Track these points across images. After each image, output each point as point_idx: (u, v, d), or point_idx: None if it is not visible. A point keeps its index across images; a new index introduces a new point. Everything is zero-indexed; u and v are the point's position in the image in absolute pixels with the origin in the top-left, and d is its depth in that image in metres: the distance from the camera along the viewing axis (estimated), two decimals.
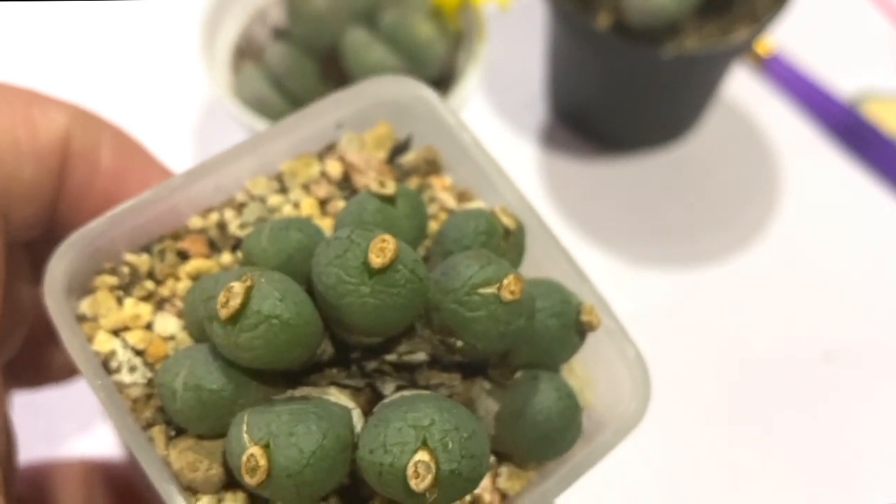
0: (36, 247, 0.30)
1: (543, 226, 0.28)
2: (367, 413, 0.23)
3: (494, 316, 0.22)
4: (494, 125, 0.64)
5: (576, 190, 0.61)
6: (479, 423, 0.22)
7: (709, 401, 0.53)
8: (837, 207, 0.61)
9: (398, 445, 0.20)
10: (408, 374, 0.24)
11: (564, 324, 0.25)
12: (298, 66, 0.52)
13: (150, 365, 0.25)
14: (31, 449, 0.35)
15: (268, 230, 0.25)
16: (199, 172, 0.28)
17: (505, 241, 0.26)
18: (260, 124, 0.50)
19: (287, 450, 0.21)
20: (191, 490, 0.23)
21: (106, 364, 0.25)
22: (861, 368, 0.54)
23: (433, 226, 0.28)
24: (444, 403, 0.21)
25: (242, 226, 0.28)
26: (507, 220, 0.26)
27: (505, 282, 0.22)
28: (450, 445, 0.20)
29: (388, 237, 0.22)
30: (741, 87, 0.66)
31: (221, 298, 0.21)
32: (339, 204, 0.29)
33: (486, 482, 0.25)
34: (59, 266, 0.25)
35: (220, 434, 0.23)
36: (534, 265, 0.28)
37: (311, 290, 0.23)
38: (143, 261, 0.27)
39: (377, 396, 0.24)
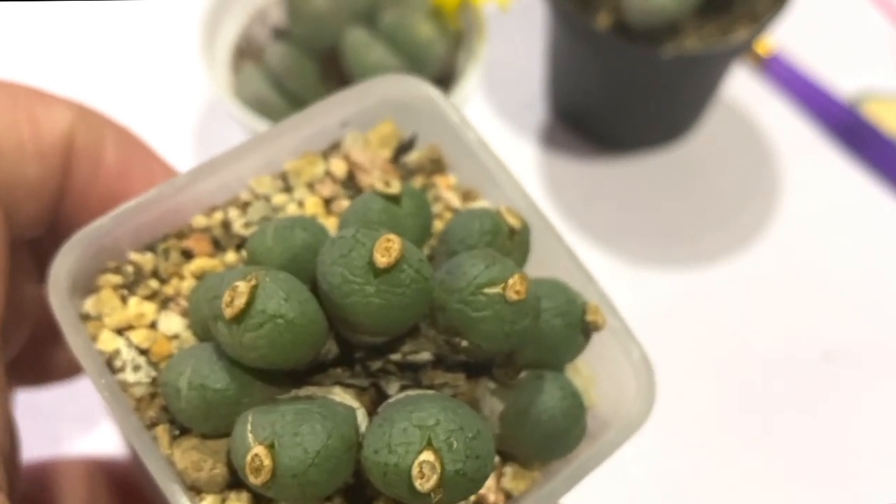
0: (40, 244, 0.30)
1: (548, 225, 0.28)
2: (371, 413, 0.23)
3: (500, 316, 0.22)
4: (494, 125, 0.64)
5: (576, 190, 0.61)
6: (484, 423, 0.22)
7: (709, 401, 0.53)
8: (837, 207, 0.61)
9: (403, 445, 0.20)
10: (412, 373, 0.24)
11: (569, 323, 0.25)
12: (298, 66, 0.52)
13: (154, 364, 0.25)
14: (33, 448, 0.35)
15: (272, 229, 0.25)
16: (203, 171, 0.28)
17: (510, 240, 0.26)
18: (260, 124, 0.50)
19: (292, 450, 0.21)
20: (195, 489, 0.23)
21: (110, 363, 0.25)
22: (861, 368, 0.54)
23: (438, 225, 0.28)
24: (448, 403, 0.21)
25: (247, 225, 0.28)
26: (512, 220, 0.26)
27: (510, 282, 0.22)
28: (455, 446, 0.20)
29: (393, 237, 0.21)
30: (741, 87, 0.66)
31: (226, 298, 0.21)
32: (344, 203, 0.28)
33: (490, 482, 0.25)
34: (64, 265, 0.25)
35: (225, 433, 0.23)
36: (539, 264, 0.28)
37: (315, 289, 0.23)
38: (147, 260, 0.27)
39: (381, 396, 0.24)
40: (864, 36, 0.69)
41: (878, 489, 0.50)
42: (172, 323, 0.26)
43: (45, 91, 0.29)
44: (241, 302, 0.21)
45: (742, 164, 0.63)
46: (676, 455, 0.51)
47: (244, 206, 0.28)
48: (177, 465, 0.23)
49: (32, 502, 0.34)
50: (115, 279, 0.26)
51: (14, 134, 0.27)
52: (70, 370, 0.35)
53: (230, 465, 0.23)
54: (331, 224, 0.28)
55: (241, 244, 0.28)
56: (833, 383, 0.54)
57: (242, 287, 0.21)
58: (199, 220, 0.28)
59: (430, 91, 0.30)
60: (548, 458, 0.25)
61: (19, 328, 0.31)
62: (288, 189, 0.29)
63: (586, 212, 0.60)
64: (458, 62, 0.55)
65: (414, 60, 0.51)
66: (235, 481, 0.23)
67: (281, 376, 0.24)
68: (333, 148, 0.30)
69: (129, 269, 0.27)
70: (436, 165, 0.30)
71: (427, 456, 0.20)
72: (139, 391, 0.25)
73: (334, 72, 0.52)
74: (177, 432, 0.24)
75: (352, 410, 0.23)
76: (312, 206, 0.28)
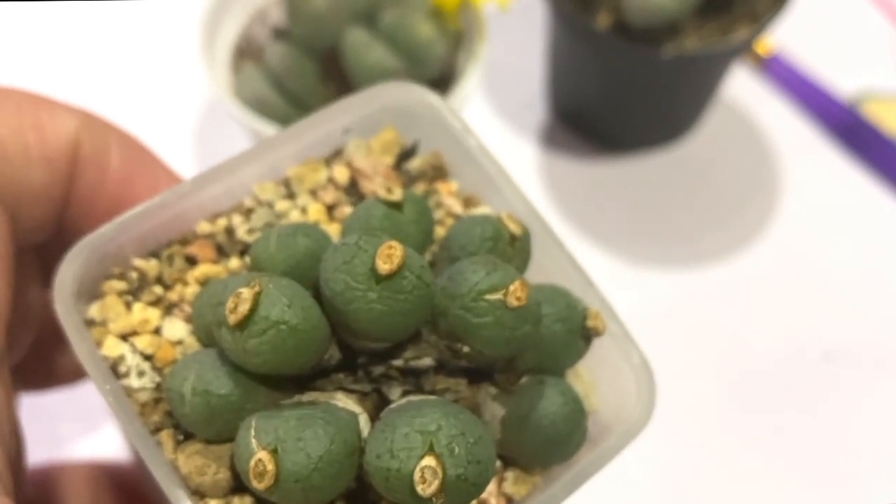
0: (45, 250, 0.30)
1: (549, 231, 0.28)
2: (373, 418, 0.24)
3: (501, 322, 0.23)
4: (494, 125, 0.64)
5: (576, 190, 0.61)
6: (486, 429, 0.22)
7: (709, 401, 0.53)
8: (837, 207, 0.61)
9: (405, 451, 0.21)
10: (414, 378, 0.24)
11: (570, 329, 0.25)
12: (298, 66, 0.52)
13: (158, 370, 0.25)
14: (36, 450, 0.35)
15: (275, 236, 0.25)
16: (207, 178, 0.28)
17: (511, 246, 0.26)
18: (260, 124, 0.50)
19: (295, 455, 0.21)
20: (199, 494, 0.23)
21: (114, 368, 0.25)
22: (861, 368, 0.54)
23: (439, 231, 0.28)
24: (450, 409, 0.22)
25: (250, 231, 0.28)
26: (513, 227, 0.26)
27: (511, 288, 0.22)
28: (456, 451, 0.20)
29: (395, 244, 0.22)
30: (741, 87, 0.66)
31: (230, 304, 0.21)
32: (347, 209, 0.29)
33: (491, 487, 0.25)
34: (69, 271, 0.25)
35: (228, 438, 0.23)
36: (539, 271, 0.28)
37: (318, 295, 0.23)
38: (151, 266, 0.27)
39: (384, 401, 0.24)
40: (864, 36, 0.69)
41: (878, 489, 0.51)
42: (176, 329, 0.26)
43: (50, 98, 0.29)
44: (244, 308, 0.21)
45: (742, 164, 0.63)
46: (676, 454, 0.51)
47: (248, 213, 0.29)
48: (181, 470, 0.23)
49: None
50: (120, 285, 0.27)
51: (20, 140, 0.27)
52: (74, 374, 0.35)
53: (234, 470, 0.23)
54: (333, 230, 0.28)
55: (244, 250, 0.28)
56: (833, 383, 0.54)
57: (246, 294, 0.21)
58: (203, 227, 0.28)
59: (432, 98, 0.30)
60: (549, 462, 0.26)
61: (24, 332, 0.31)
62: (291, 195, 0.29)
63: (586, 212, 0.60)
64: (458, 62, 0.55)
65: (414, 60, 0.51)
66: (239, 486, 0.23)
67: (284, 382, 0.24)
68: (336, 154, 0.30)
69: (134, 275, 0.27)
70: (437, 172, 0.30)
71: (429, 461, 0.20)
72: (143, 396, 0.25)
73: (334, 72, 0.52)
74: (181, 437, 0.24)
75: (354, 416, 0.23)
76: (315, 212, 0.29)
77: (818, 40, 0.66)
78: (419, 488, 0.20)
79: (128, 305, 0.26)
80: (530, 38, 0.65)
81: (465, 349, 0.23)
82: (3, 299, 0.25)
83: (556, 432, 0.24)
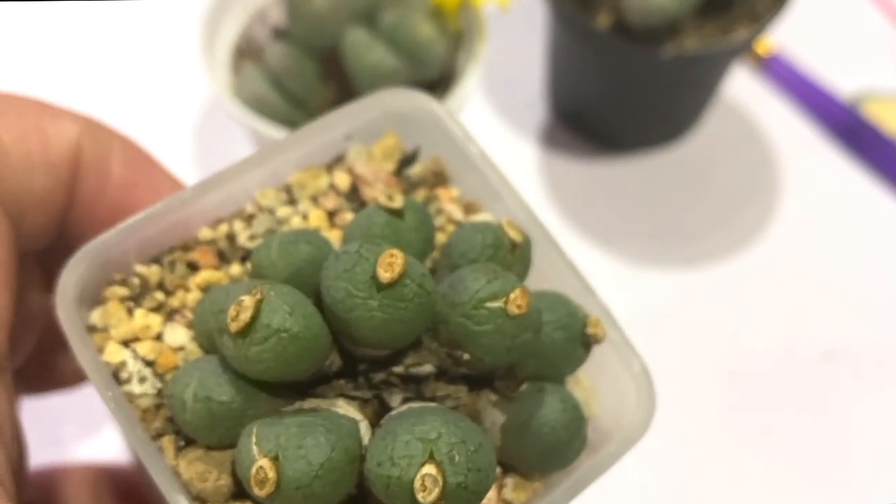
0: (47, 255, 0.30)
1: (550, 238, 0.29)
2: (374, 425, 0.24)
3: (501, 330, 0.23)
4: (494, 125, 0.64)
5: (576, 190, 0.61)
6: (486, 436, 0.22)
7: (709, 401, 0.53)
8: (837, 207, 0.61)
9: (405, 458, 0.21)
10: (415, 385, 0.24)
11: (570, 336, 0.25)
12: (298, 66, 0.52)
13: (159, 376, 0.25)
14: (37, 451, 0.35)
15: (277, 243, 0.25)
16: (209, 185, 0.28)
17: (511, 254, 0.26)
18: (260, 124, 0.50)
19: (296, 462, 0.21)
20: (200, 500, 0.23)
21: (116, 375, 0.25)
22: (861, 368, 0.54)
23: (440, 237, 0.28)
24: (450, 416, 0.22)
25: (251, 237, 0.28)
26: (513, 234, 0.26)
27: (512, 296, 0.22)
28: (456, 458, 0.21)
29: (396, 252, 0.22)
30: (741, 87, 0.66)
31: (232, 312, 0.22)
32: (348, 216, 0.29)
33: (491, 493, 0.25)
34: (71, 278, 0.25)
35: (230, 445, 0.23)
36: (540, 278, 0.28)
37: (319, 302, 0.23)
38: (153, 272, 0.27)
39: (384, 408, 0.24)
40: (864, 36, 0.69)
41: (878, 489, 0.51)
42: (178, 335, 0.26)
43: (52, 104, 0.29)
44: (246, 316, 0.21)
45: (742, 164, 0.63)
46: (676, 454, 0.51)
47: (249, 219, 0.29)
48: (182, 476, 0.23)
49: None
50: (122, 291, 0.27)
51: (22, 146, 0.27)
52: (76, 377, 0.35)
53: (235, 476, 0.23)
54: (334, 237, 0.28)
55: (245, 256, 0.28)
56: (833, 383, 0.54)
57: (248, 301, 0.22)
58: (205, 233, 0.28)
59: (433, 105, 0.30)
60: (549, 469, 0.26)
61: (26, 336, 0.31)
62: (292, 202, 0.29)
63: (586, 212, 0.60)
64: (458, 62, 0.55)
65: (414, 60, 0.51)
66: (240, 492, 0.23)
67: (285, 389, 0.24)
68: (337, 161, 0.30)
69: (136, 281, 0.27)
70: (438, 178, 0.30)
71: (429, 469, 0.20)
72: (145, 402, 0.25)
73: (334, 72, 0.52)
74: (182, 443, 0.24)
75: (355, 423, 0.23)
76: (316, 218, 0.29)
77: (818, 40, 0.66)
78: (420, 496, 0.20)
79: (129, 311, 0.27)
80: (530, 38, 0.65)
81: (466, 357, 0.23)
82: (5, 304, 0.25)
83: (556, 439, 0.24)
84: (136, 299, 0.27)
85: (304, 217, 0.29)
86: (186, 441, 0.24)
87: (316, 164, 0.30)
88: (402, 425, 0.21)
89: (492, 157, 0.30)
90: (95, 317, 0.26)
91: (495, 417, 0.25)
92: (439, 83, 0.54)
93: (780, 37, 0.66)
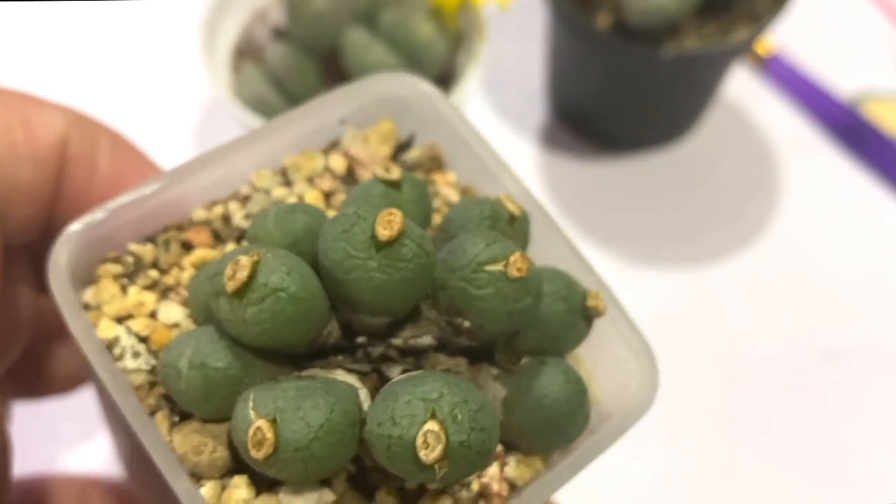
0: (36, 252, 0.30)
1: (548, 218, 0.28)
2: (374, 395, 0.23)
3: (501, 293, 0.22)
4: (494, 125, 0.64)
5: (576, 190, 0.61)
6: (488, 399, 0.22)
7: (709, 401, 0.53)
8: (837, 207, 0.61)
9: (407, 417, 0.20)
10: (414, 359, 0.24)
11: (571, 308, 0.25)
12: (298, 66, 0.52)
13: (153, 353, 0.25)
14: (34, 450, 0.35)
15: (273, 214, 0.25)
16: (201, 162, 0.28)
17: (510, 227, 0.26)
18: (260, 124, 0.50)
19: (294, 423, 0.21)
20: (195, 476, 0.23)
21: (109, 351, 0.25)
22: (861, 368, 0.54)
23: (436, 220, 0.28)
24: (452, 379, 0.21)
25: (247, 217, 0.28)
26: (511, 207, 0.26)
27: (511, 259, 0.22)
28: (459, 417, 0.20)
29: (395, 210, 0.21)
30: (741, 87, 0.66)
31: (228, 271, 0.21)
32: (343, 197, 0.28)
33: (494, 471, 0.24)
34: (64, 249, 0.25)
35: (225, 417, 0.23)
36: (539, 257, 0.27)
37: (317, 271, 0.23)
38: (147, 250, 0.27)
39: (383, 381, 0.24)
40: (864, 36, 0.69)
41: (878, 489, 0.50)
42: (172, 312, 0.26)
43: (38, 96, 0.29)
44: (243, 275, 0.21)
45: (742, 164, 0.63)
46: (675, 455, 0.51)
47: (244, 200, 0.28)
48: (177, 451, 0.23)
49: None
50: (115, 269, 0.26)
51: (7, 138, 0.27)
52: (70, 382, 0.35)
53: (231, 449, 0.23)
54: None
55: (241, 236, 0.28)
56: (833, 383, 0.54)
57: (245, 261, 0.21)
58: (200, 213, 0.28)
59: (428, 88, 0.30)
60: (551, 444, 0.25)
61: (15, 335, 0.31)
62: (288, 183, 0.29)
63: (586, 212, 0.60)
64: (458, 62, 0.55)
65: (414, 60, 0.51)
66: (236, 466, 0.23)
67: (282, 359, 0.24)
68: (333, 146, 0.30)
69: (129, 259, 0.27)
70: (434, 163, 0.30)
71: (432, 426, 0.20)
72: (138, 379, 0.25)
73: (334, 72, 0.52)
74: (176, 419, 0.24)
75: (354, 389, 0.23)
76: (312, 199, 0.28)
77: (818, 40, 0.66)
78: (422, 454, 0.20)
79: (123, 289, 0.26)
80: (530, 38, 0.65)
81: (466, 324, 0.23)
82: None
83: (557, 412, 0.24)
84: (129, 276, 0.26)
85: (300, 198, 0.28)
86: (181, 417, 0.24)
87: (311, 147, 0.30)
88: (403, 387, 0.21)
89: (488, 139, 0.29)
90: (88, 295, 0.26)
91: (496, 391, 0.25)
92: (439, 83, 0.54)
93: (780, 37, 0.66)
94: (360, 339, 0.24)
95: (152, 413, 0.24)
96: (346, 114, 0.30)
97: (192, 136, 0.62)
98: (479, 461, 0.21)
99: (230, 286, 0.21)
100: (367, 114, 0.30)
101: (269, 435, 0.20)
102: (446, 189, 0.30)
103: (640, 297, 0.56)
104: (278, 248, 0.24)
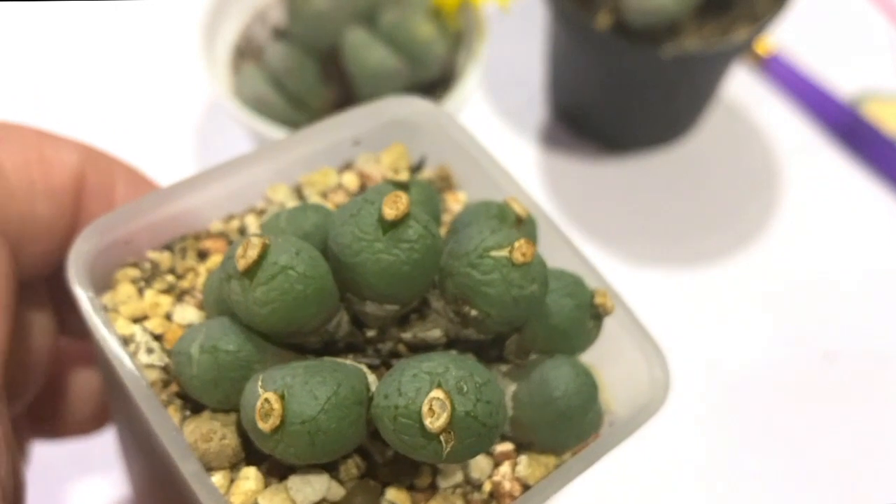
0: (56, 284, 0.30)
1: (555, 227, 0.29)
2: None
3: (507, 279, 0.23)
4: (494, 125, 0.64)
5: (576, 190, 0.61)
6: (494, 375, 0.22)
7: (708, 401, 0.53)
8: (837, 207, 0.61)
9: (413, 389, 0.21)
10: (423, 354, 0.24)
11: (579, 304, 0.25)
12: (298, 66, 0.52)
13: (167, 352, 0.25)
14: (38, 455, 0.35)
15: (286, 213, 0.26)
16: (215, 173, 0.28)
17: (516, 228, 0.26)
18: (260, 124, 0.50)
19: (302, 397, 0.21)
20: (204, 466, 0.23)
21: (124, 346, 0.25)
22: (861, 368, 0.54)
23: (443, 232, 0.28)
24: (458, 357, 0.22)
25: (262, 227, 0.29)
26: (517, 208, 0.26)
27: (516, 244, 0.23)
28: (465, 388, 0.21)
29: (400, 192, 0.22)
30: (741, 87, 0.66)
31: (239, 251, 0.22)
32: None
33: (506, 470, 0.24)
34: (83, 247, 0.26)
35: (235, 408, 0.23)
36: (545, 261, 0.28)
37: (327, 261, 0.23)
38: (164, 258, 0.28)
39: None
40: (864, 36, 0.69)
41: (878, 489, 0.50)
42: (187, 313, 0.26)
43: (52, 133, 0.29)
44: (254, 253, 0.22)
45: (742, 164, 0.63)
46: (675, 455, 0.51)
47: (260, 214, 0.29)
48: (187, 440, 0.23)
49: None
50: (133, 273, 0.27)
51: (24, 175, 0.27)
52: (91, 423, 0.35)
53: (240, 437, 0.23)
54: None
55: None
56: (833, 383, 0.54)
57: (255, 240, 0.22)
58: (216, 226, 0.29)
59: (439, 112, 0.31)
60: (564, 441, 0.25)
61: (31, 373, 0.31)
62: (302, 198, 0.30)
63: (586, 212, 0.60)
64: (458, 62, 0.55)
65: (414, 60, 0.51)
66: (245, 456, 0.23)
67: (292, 350, 0.24)
68: (347, 167, 0.31)
69: (147, 265, 0.27)
70: (445, 183, 0.31)
71: (437, 394, 0.20)
72: (152, 374, 0.25)
73: (334, 72, 0.52)
74: (188, 413, 0.24)
75: (362, 372, 0.23)
76: None
77: (818, 40, 0.66)
78: (427, 421, 0.20)
79: (140, 292, 0.27)
80: (530, 38, 0.65)
81: (473, 312, 0.23)
82: (1, 332, 0.25)
83: (568, 404, 0.24)
84: (147, 280, 0.27)
85: None
86: (192, 411, 0.24)
87: (325, 166, 0.30)
88: (410, 363, 0.21)
89: (498, 159, 0.30)
90: (106, 299, 0.26)
91: (506, 386, 0.25)
92: (439, 83, 0.54)
93: (780, 37, 0.66)
94: (370, 334, 0.25)
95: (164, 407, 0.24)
96: (358, 134, 0.31)
97: (192, 136, 0.62)
98: (487, 434, 0.21)
99: (241, 264, 0.22)
100: (379, 137, 0.31)
101: (277, 406, 0.21)
102: (457, 207, 0.30)
103: (640, 297, 0.56)
104: None
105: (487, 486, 0.24)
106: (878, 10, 0.70)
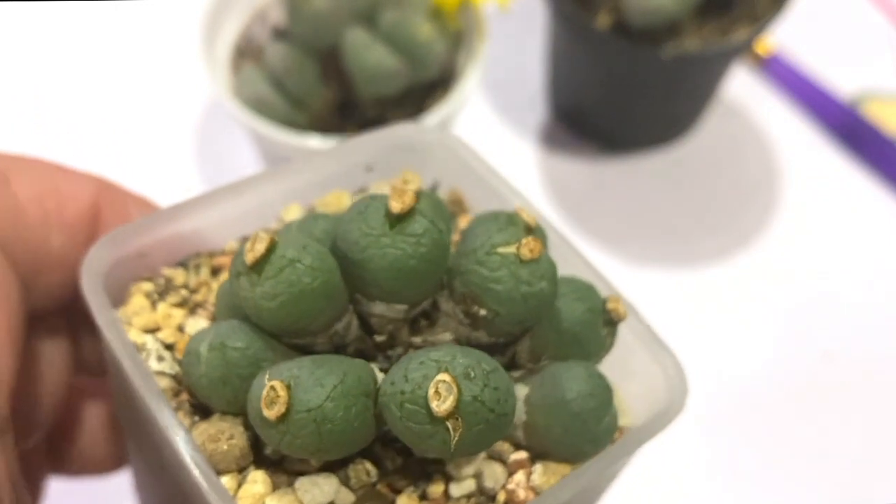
0: (72, 317, 0.31)
1: (570, 245, 0.29)
2: None
3: (515, 275, 0.23)
4: (494, 125, 0.64)
5: (576, 190, 0.61)
6: (501, 364, 0.22)
7: (708, 401, 0.53)
8: (837, 207, 0.61)
9: (420, 375, 0.20)
10: None
11: (590, 308, 0.25)
12: (298, 66, 0.52)
13: (178, 361, 0.25)
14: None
15: (297, 223, 0.26)
16: (228, 192, 0.28)
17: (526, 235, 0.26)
18: (260, 124, 0.50)
19: (308, 385, 0.21)
20: (213, 469, 0.23)
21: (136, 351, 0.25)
22: (861, 368, 0.54)
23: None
24: (465, 347, 0.22)
25: None
26: (526, 217, 0.26)
27: (523, 241, 0.23)
28: (472, 374, 0.20)
29: (407, 188, 0.22)
30: (741, 87, 0.66)
31: (248, 245, 0.22)
32: None
33: (520, 478, 0.24)
34: (98, 255, 0.26)
35: (244, 409, 0.23)
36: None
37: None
38: (178, 273, 0.28)
39: None
40: (864, 36, 0.69)
41: (878, 489, 0.50)
42: (200, 325, 0.26)
43: (66, 166, 0.30)
44: (261, 247, 0.22)
45: (742, 164, 0.63)
46: (675, 455, 0.51)
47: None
48: (195, 441, 0.23)
49: None
50: (147, 286, 0.27)
51: (39, 207, 0.28)
52: (108, 463, 0.35)
53: (249, 438, 0.23)
54: None
55: None
56: (833, 383, 0.54)
57: (263, 235, 0.22)
58: (231, 245, 0.29)
59: (452, 139, 0.31)
60: (578, 448, 0.24)
61: (44, 405, 0.31)
62: None
63: (586, 212, 0.60)
64: (458, 62, 0.55)
65: (414, 60, 0.51)
66: (253, 458, 0.23)
67: (300, 352, 0.24)
68: (360, 192, 0.31)
69: (161, 280, 0.28)
70: (457, 206, 0.31)
71: (444, 377, 0.20)
72: (162, 382, 0.25)
73: (334, 72, 0.52)
74: (197, 418, 0.24)
75: (369, 365, 0.23)
76: None
77: (818, 40, 0.66)
78: (434, 405, 0.20)
79: (153, 304, 0.27)
80: (530, 38, 0.65)
81: (482, 312, 0.23)
82: (7, 365, 0.25)
83: (582, 407, 0.24)
84: (160, 294, 0.27)
85: None
86: (201, 416, 0.24)
87: (339, 189, 0.31)
88: (417, 354, 0.21)
89: (509, 180, 0.30)
90: (119, 312, 0.26)
91: (519, 391, 0.24)
92: (439, 83, 0.54)
93: (780, 37, 0.66)
94: (380, 339, 0.24)
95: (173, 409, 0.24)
96: (371, 161, 0.31)
97: (192, 136, 0.62)
98: (496, 422, 0.21)
99: (249, 258, 0.22)
100: (391, 161, 0.31)
101: (283, 394, 0.21)
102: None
103: (639, 297, 0.56)
104: None
105: (502, 496, 0.24)
106: (878, 10, 0.70)
